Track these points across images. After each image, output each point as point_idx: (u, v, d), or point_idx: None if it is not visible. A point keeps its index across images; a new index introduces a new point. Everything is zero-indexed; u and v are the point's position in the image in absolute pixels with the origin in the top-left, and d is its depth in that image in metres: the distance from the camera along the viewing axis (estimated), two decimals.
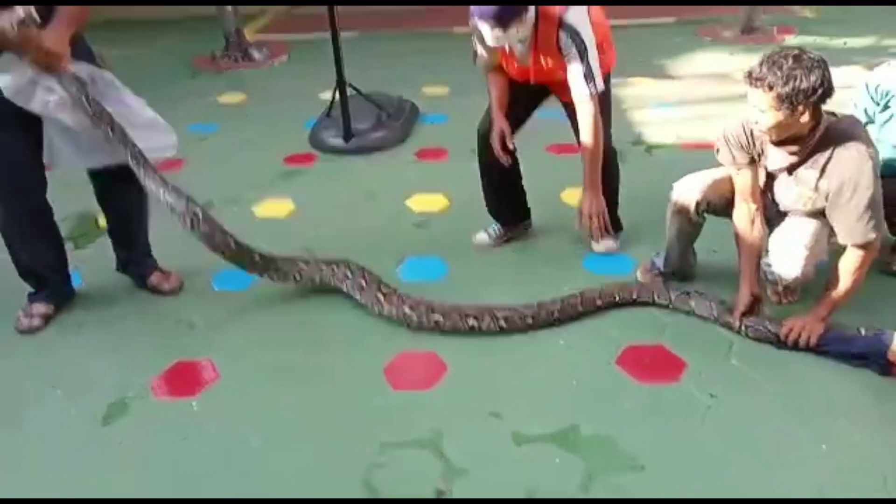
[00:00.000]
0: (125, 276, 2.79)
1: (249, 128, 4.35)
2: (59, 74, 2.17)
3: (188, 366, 2.32)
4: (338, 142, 3.95)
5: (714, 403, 2.05)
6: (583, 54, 2.34)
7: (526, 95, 2.64)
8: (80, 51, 2.31)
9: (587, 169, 2.51)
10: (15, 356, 2.41)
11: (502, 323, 2.36)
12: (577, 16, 2.33)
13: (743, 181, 2.24)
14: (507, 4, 2.22)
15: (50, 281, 2.58)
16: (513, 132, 2.66)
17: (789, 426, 1.96)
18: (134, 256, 2.74)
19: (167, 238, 3.06)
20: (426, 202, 3.33)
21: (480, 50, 2.56)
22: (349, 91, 3.98)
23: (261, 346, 2.40)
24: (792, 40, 5.45)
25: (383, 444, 1.97)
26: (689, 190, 2.39)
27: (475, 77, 2.87)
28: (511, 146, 2.64)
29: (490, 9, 2.24)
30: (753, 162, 2.21)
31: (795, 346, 2.17)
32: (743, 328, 2.27)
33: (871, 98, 2.46)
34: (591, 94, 2.39)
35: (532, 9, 2.33)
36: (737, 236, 2.32)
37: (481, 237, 2.94)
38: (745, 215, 2.27)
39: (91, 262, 2.92)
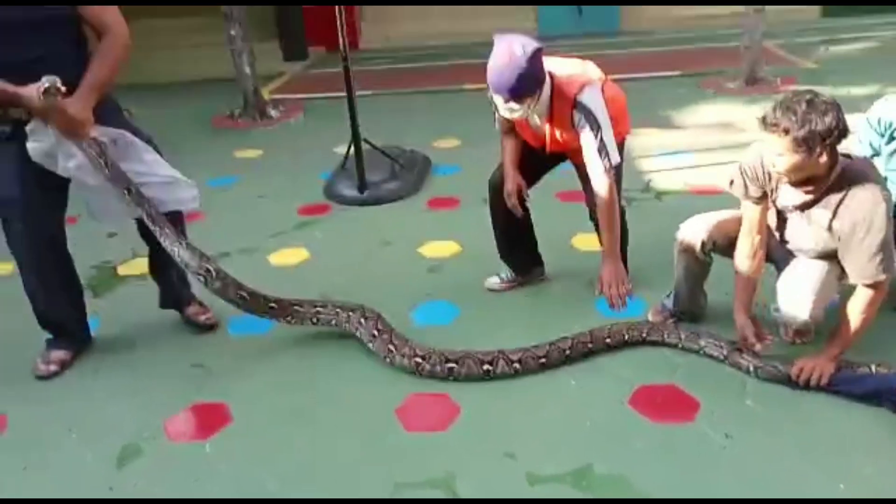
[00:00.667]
0: (142, 323, 2.86)
1: (266, 181, 4.48)
2: (80, 140, 2.27)
3: (202, 409, 2.34)
4: (352, 193, 4.04)
5: (729, 444, 2.03)
6: (597, 131, 2.40)
7: (540, 160, 2.70)
8: (108, 109, 2.42)
9: (605, 238, 2.54)
10: (33, 400, 2.45)
11: (517, 366, 2.36)
12: (591, 95, 2.41)
13: (752, 215, 2.27)
14: (521, 82, 2.27)
15: (69, 329, 2.64)
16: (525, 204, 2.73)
17: (804, 466, 1.93)
18: (173, 289, 2.81)
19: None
20: (438, 249, 3.38)
21: (498, 115, 2.63)
22: (363, 145, 4.10)
23: (274, 390, 2.42)
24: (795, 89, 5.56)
25: (397, 484, 1.97)
26: (694, 230, 2.42)
27: (486, 129, 2.96)
28: (526, 198, 2.69)
29: (504, 83, 2.30)
30: (765, 197, 2.24)
31: (807, 386, 2.16)
32: (753, 369, 2.26)
33: (875, 131, 2.49)
34: (605, 168, 2.44)
35: (547, 87, 2.42)
36: (737, 268, 2.35)
37: (493, 281, 2.97)
38: (747, 248, 2.30)
39: (109, 309, 2.99)
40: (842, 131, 1.95)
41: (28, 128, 2.26)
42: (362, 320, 2.56)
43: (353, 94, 4.00)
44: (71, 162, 2.30)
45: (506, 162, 2.73)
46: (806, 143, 1.93)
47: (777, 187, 2.19)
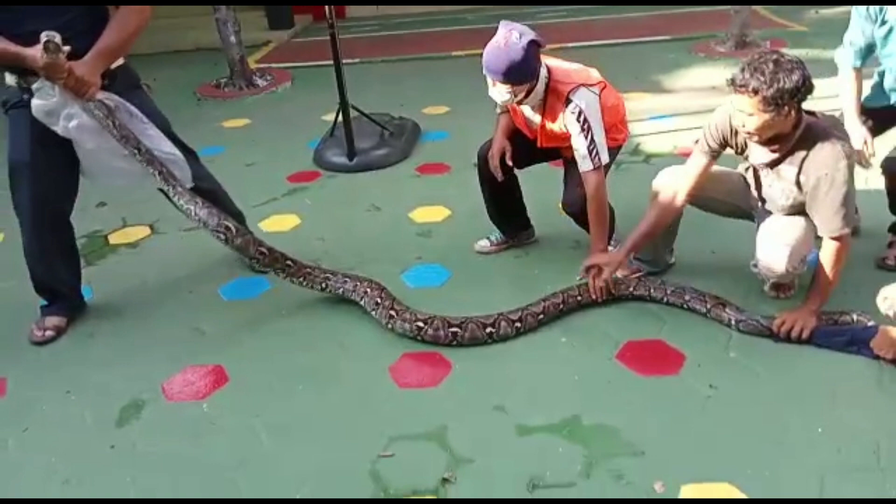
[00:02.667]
0: (134, 290, 2.90)
1: (254, 150, 4.47)
2: (87, 101, 2.31)
3: (198, 370, 2.37)
4: (341, 160, 4.05)
5: (714, 394, 2.09)
6: (587, 132, 2.43)
7: (531, 149, 2.72)
8: (126, 79, 2.49)
9: (593, 231, 2.58)
10: (29, 365, 2.48)
11: (518, 325, 2.40)
12: (584, 95, 2.44)
13: (693, 167, 2.37)
14: (511, 67, 2.32)
15: (64, 294, 2.67)
16: (510, 171, 2.75)
17: (785, 412, 2.00)
18: None
19: (177, 250, 3.16)
20: (428, 213, 3.41)
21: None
22: (352, 112, 4.09)
23: (268, 352, 2.46)
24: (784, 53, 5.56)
25: (390, 437, 2.02)
26: (668, 178, 2.48)
27: (475, 95, 2.97)
28: (509, 163, 2.71)
29: (495, 65, 2.35)
30: (714, 157, 2.33)
31: (789, 339, 2.22)
32: (735, 322, 2.33)
33: (867, 18, 2.49)
34: (594, 167, 2.48)
35: (542, 82, 2.45)
36: (652, 209, 2.44)
37: (482, 243, 3.01)
38: (669, 197, 2.40)
39: (101, 277, 3.01)
40: (808, 88, 2.00)
41: (34, 86, 2.29)
42: (368, 290, 2.58)
43: (340, 61, 3.97)
44: (72, 122, 2.33)
45: (497, 130, 2.76)
46: (775, 102, 1.98)
47: (747, 146, 2.24)
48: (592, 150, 2.46)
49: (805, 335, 2.20)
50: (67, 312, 2.68)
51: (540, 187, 3.07)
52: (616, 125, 2.62)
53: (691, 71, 5.45)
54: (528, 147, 2.70)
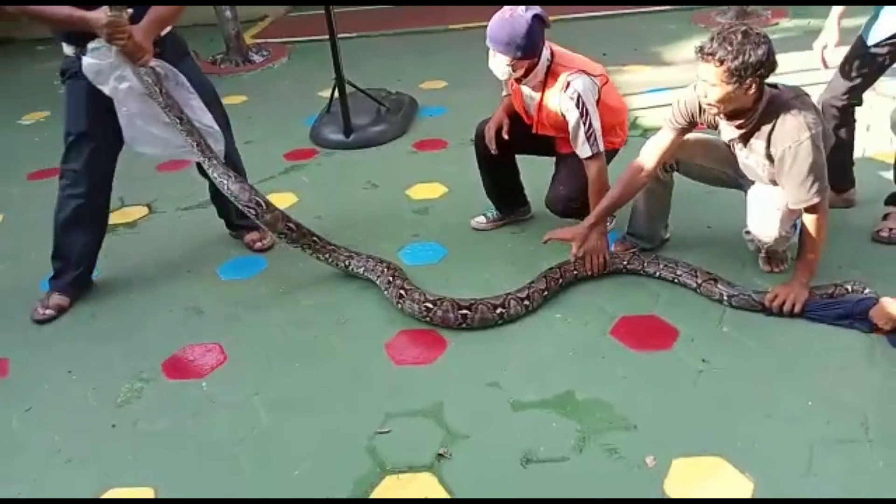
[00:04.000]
0: (134, 270, 2.92)
1: (251, 127, 4.43)
2: (138, 67, 2.37)
3: (198, 349, 2.40)
4: (338, 137, 4.03)
5: (706, 367, 2.12)
6: (585, 117, 2.43)
7: (528, 137, 2.71)
8: (175, 46, 2.57)
9: (596, 211, 2.52)
10: (31, 345, 2.51)
11: (527, 303, 2.41)
12: (584, 82, 2.43)
13: (660, 141, 2.38)
14: (512, 38, 2.34)
15: (73, 269, 2.70)
16: (507, 151, 2.75)
17: (776, 386, 2.02)
18: (228, 215, 3.00)
19: (175, 229, 3.17)
20: (425, 190, 3.41)
21: (504, 82, 2.67)
22: (348, 88, 4.07)
23: (266, 331, 2.49)
24: (786, 23, 5.50)
25: (387, 414, 2.05)
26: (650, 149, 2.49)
27: (472, 70, 2.96)
28: (505, 136, 2.71)
29: (497, 34, 2.37)
30: (682, 133, 2.34)
31: (781, 313, 2.24)
32: (727, 297, 2.34)
33: None
34: (594, 153, 2.47)
35: (544, 63, 2.45)
36: (619, 180, 2.45)
37: (479, 220, 3.02)
38: (636, 170, 2.41)
39: (100, 257, 3.00)
40: (771, 64, 2.02)
41: (91, 45, 2.34)
42: (384, 270, 2.59)
43: (335, 36, 3.94)
44: (123, 84, 2.40)
45: (498, 109, 2.75)
46: (738, 74, 1.99)
47: (716, 124, 2.25)
48: (591, 135, 2.46)
49: (797, 309, 2.22)
50: (72, 291, 2.71)
51: (538, 163, 3.06)
52: (615, 128, 2.60)
53: (691, 42, 5.31)
54: (524, 132, 2.70)
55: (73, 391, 2.26)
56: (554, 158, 2.81)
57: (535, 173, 3.03)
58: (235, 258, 2.95)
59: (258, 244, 2.98)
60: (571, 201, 2.67)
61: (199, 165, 2.75)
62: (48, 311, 2.62)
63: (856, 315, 2.15)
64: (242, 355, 2.36)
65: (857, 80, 2.61)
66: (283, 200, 3.43)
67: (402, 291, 2.47)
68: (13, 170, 4.05)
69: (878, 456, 1.77)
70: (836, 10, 2.60)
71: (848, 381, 2.01)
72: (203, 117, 2.59)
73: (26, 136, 4.65)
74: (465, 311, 2.35)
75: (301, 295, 2.68)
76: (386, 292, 2.54)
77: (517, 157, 2.89)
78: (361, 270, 2.66)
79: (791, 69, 4.29)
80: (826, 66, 2.63)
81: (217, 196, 2.97)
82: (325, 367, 2.28)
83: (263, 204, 2.56)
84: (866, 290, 2.22)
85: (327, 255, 2.67)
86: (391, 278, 2.54)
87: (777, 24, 5.54)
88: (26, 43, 7.24)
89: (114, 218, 3.35)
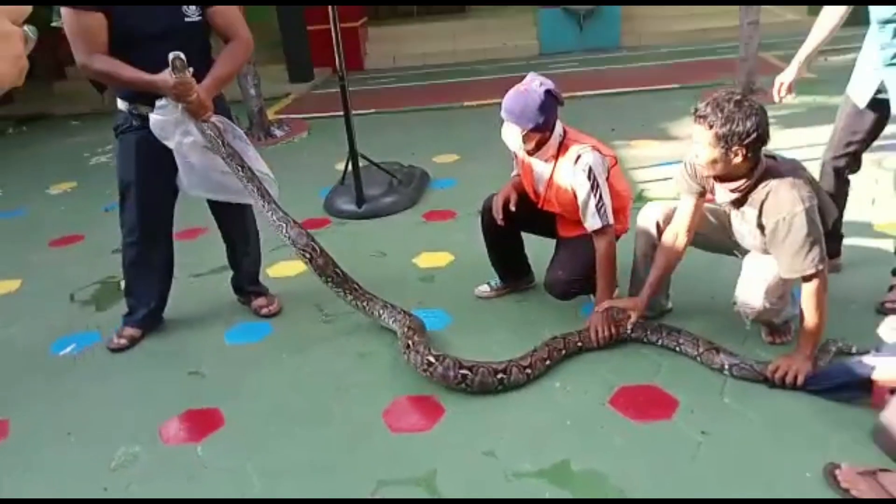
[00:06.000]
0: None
1: None
2: (202, 121, 2.54)
3: (196, 414, 2.41)
4: (351, 207, 4.14)
5: (705, 440, 2.07)
6: (595, 190, 2.49)
7: (533, 215, 2.77)
8: (220, 106, 2.72)
9: (600, 286, 2.60)
10: (35, 406, 2.54)
11: (529, 371, 2.39)
12: (595, 158, 2.51)
13: (685, 207, 2.40)
14: (526, 109, 2.43)
15: (146, 308, 2.89)
16: (512, 224, 2.80)
17: (778, 460, 1.97)
18: (240, 281, 3.09)
19: (186, 295, 3.23)
20: (432, 259, 3.46)
21: (516, 160, 2.77)
22: (362, 161, 4.21)
23: (267, 396, 2.49)
24: (791, 100, 5.60)
25: (380, 481, 2.02)
26: (653, 212, 2.52)
27: (484, 145, 3.04)
28: (512, 208, 2.76)
29: (511, 105, 2.47)
30: (701, 196, 2.34)
31: (783, 385, 2.20)
32: (728, 367, 2.31)
33: None
34: (604, 224, 2.52)
35: (556, 138, 2.54)
36: (658, 252, 2.47)
37: (482, 289, 3.05)
38: (671, 240, 2.44)
39: (112, 321, 3.08)
40: (760, 136, 2.05)
41: (159, 102, 2.51)
42: (408, 322, 2.64)
43: (349, 111, 4.10)
44: (187, 139, 2.58)
45: (507, 184, 2.82)
46: (725, 140, 2.04)
47: (712, 185, 2.28)
48: (601, 207, 2.49)
49: (799, 381, 2.18)
50: (144, 325, 2.90)
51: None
52: (617, 213, 2.61)
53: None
54: (529, 210, 2.75)
55: (69, 454, 2.27)
56: (554, 241, 2.86)
57: (540, 243, 3.07)
58: (241, 323, 3.00)
59: (265, 310, 3.03)
60: (570, 284, 2.69)
61: (223, 235, 2.98)
62: (122, 341, 2.83)
63: (853, 385, 2.10)
64: (240, 420, 2.37)
65: (853, 138, 2.66)
66: (292, 268, 3.50)
67: (410, 342, 2.49)
68: (36, 237, 4.20)
69: None
70: (804, 50, 2.70)
71: (850, 456, 1.95)
72: (260, 165, 2.76)
73: (53, 205, 4.84)
74: (465, 372, 2.35)
75: (303, 361, 2.69)
76: (399, 342, 2.58)
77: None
78: (391, 322, 2.71)
79: (795, 144, 4.38)
80: (779, 100, 2.78)
81: (233, 260, 3.06)
82: (321, 433, 2.27)
83: (317, 249, 2.73)
84: (853, 349, 2.19)
85: (364, 304, 2.78)
86: (406, 329, 2.58)
87: (782, 100, 5.64)
88: (62, 118, 7.62)
89: None
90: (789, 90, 2.77)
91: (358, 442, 2.21)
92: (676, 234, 2.44)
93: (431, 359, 2.39)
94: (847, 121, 2.71)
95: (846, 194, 2.80)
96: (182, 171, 2.66)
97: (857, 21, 2.69)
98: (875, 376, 2.04)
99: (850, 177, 2.82)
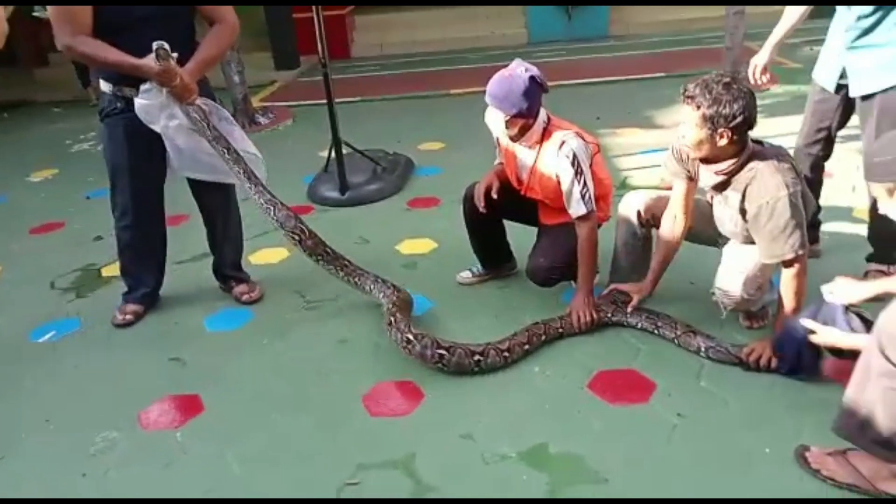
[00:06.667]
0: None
1: None
2: (187, 104, 2.53)
3: (176, 399, 2.41)
4: (334, 194, 4.13)
5: (681, 422, 2.09)
6: (579, 176, 2.49)
7: (515, 203, 2.76)
8: (205, 89, 2.72)
9: (581, 274, 2.61)
10: (12, 393, 2.53)
11: (507, 354, 2.41)
12: (579, 144, 2.51)
13: (676, 192, 2.41)
14: (510, 95, 2.42)
15: (144, 286, 2.94)
16: (494, 212, 2.80)
17: (752, 441, 1.99)
18: (221, 265, 3.08)
19: (168, 283, 3.22)
20: (415, 246, 3.46)
21: (499, 148, 2.77)
22: (346, 148, 4.19)
23: (246, 382, 2.49)
24: (776, 89, 5.63)
25: (359, 465, 2.03)
26: (634, 201, 2.52)
27: (470, 133, 3.04)
28: (494, 196, 2.75)
29: (495, 90, 2.46)
30: (690, 179, 2.35)
31: (758, 367, 2.23)
32: (704, 349, 2.34)
33: None
34: (588, 210, 2.52)
35: (540, 124, 2.53)
36: (658, 239, 2.49)
37: (464, 275, 3.05)
38: (669, 225, 2.45)
39: (91, 308, 3.08)
40: (746, 119, 2.04)
41: (143, 87, 2.50)
42: (394, 297, 2.67)
43: (332, 99, 4.08)
44: (173, 122, 2.58)
45: (489, 172, 2.82)
46: (711, 122, 2.04)
47: (697, 168, 2.28)
48: (585, 193, 2.49)
49: (774, 364, 2.20)
50: (145, 302, 2.94)
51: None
52: (598, 201, 2.62)
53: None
54: (512, 198, 2.75)
55: (48, 441, 2.26)
56: (536, 229, 2.86)
57: (523, 229, 3.07)
58: (223, 310, 2.99)
59: (246, 296, 3.02)
60: (551, 271, 2.70)
61: (204, 218, 2.98)
62: (127, 317, 2.88)
63: (805, 354, 2.11)
64: (220, 406, 2.36)
65: (822, 125, 2.70)
66: (275, 255, 3.49)
67: (392, 319, 2.50)
68: (17, 225, 4.16)
69: None
70: (776, 34, 2.76)
71: (825, 437, 1.97)
72: (247, 146, 2.76)
73: (34, 192, 4.80)
74: (442, 352, 2.36)
75: (284, 347, 2.69)
76: (384, 314, 2.61)
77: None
78: (381, 296, 2.73)
79: (778, 133, 4.39)
80: (754, 82, 2.79)
81: (215, 247, 3.05)
82: (301, 419, 2.27)
83: (306, 231, 2.75)
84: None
85: (356, 279, 2.81)
86: (391, 305, 2.60)
87: (767, 89, 5.66)
88: (43, 105, 7.54)
89: (109, 271, 3.43)
90: (764, 72, 2.79)
91: (337, 427, 2.22)
92: (674, 217, 2.45)
93: (410, 336, 2.41)
94: (814, 107, 2.74)
95: (821, 181, 2.83)
96: (171, 153, 2.67)
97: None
98: (813, 339, 2.05)
99: (830, 164, 2.84)
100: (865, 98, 2.53)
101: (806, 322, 2.03)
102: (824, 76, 2.66)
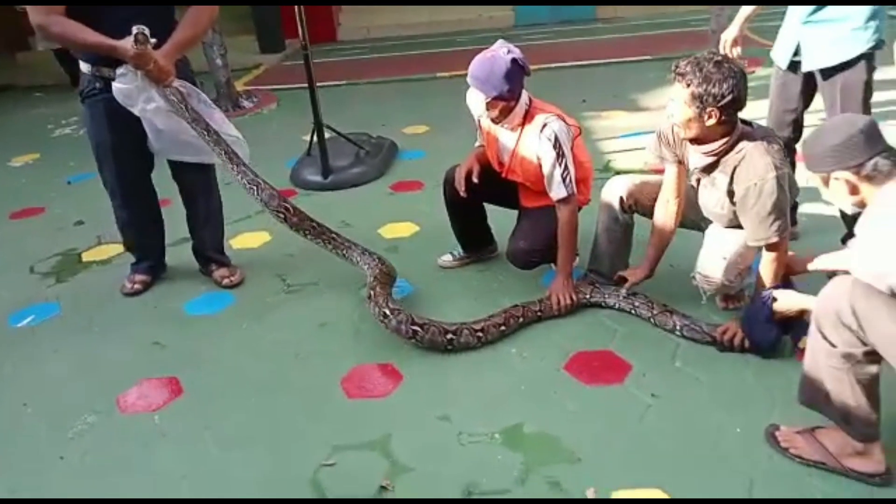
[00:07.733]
0: (103, 306, 2.94)
1: None
2: (164, 87, 2.53)
3: (155, 383, 2.41)
4: (316, 178, 4.11)
5: (655, 402, 2.12)
6: (561, 159, 2.48)
7: (496, 186, 2.76)
8: (184, 71, 2.72)
9: (560, 254, 2.62)
10: None
11: (480, 335, 2.42)
12: (561, 127, 2.50)
13: (668, 177, 2.41)
14: (491, 76, 2.41)
15: (150, 255, 3.04)
16: (475, 196, 2.80)
17: (725, 420, 2.02)
18: (202, 248, 3.08)
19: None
20: (397, 229, 3.46)
21: (479, 131, 2.76)
22: (329, 132, 4.17)
23: (225, 364, 2.50)
24: (762, 72, 5.63)
25: (335, 447, 2.04)
26: (616, 186, 2.53)
27: (455, 116, 3.03)
28: (475, 180, 2.75)
29: (477, 70, 2.45)
30: (680, 163, 2.34)
31: (731, 347, 2.25)
32: (679, 327, 2.36)
33: None
34: (569, 193, 2.52)
35: (522, 106, 2.52)
36: (653, 225, 2.50)
37: (445, 258, 3.06)
38: (663, 210, 2.45)
39: (71, 293, 3.07)
40: (735, 100, 2.03)
41: (119, 70, 2.52)
42: (378, 269, 2.71)
43: (313, 82, 4.06)
44: (150, 105, 2.58)
45: (470, 155, 2.81)
46: (700, 100, 2.02)
47: (685, 149, 2.28)
48: (566, 176, 2.49)
49: (747, 344, 2.22)
50: (153, 272, 3.04)
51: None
52: (579, 184, 2.61)
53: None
54: (492, 181, 2.75)
55: (26, 424, 2.26)
56: (516, 211, 2.87)
57: (503, 212, 3.08)
58: (203, 294, 2.99)
59: (226, 280, 3.01)
60: (531, 254, 2.71)
61: (184, 199, 2.98)
62: (136, 286, 2.97)
63: (774, 325, 2.14)
64: (198, 389, 2.37)
65: (787, 107, 2.72)
66: (256, 239, 3.48)
67: (372, 292, 2.54)
68: None
69: (818, 492, 1.76)
70: (745, 8, 2.77)
71: (796, 416, 2.00)
72: (228, 128, 2.76)
73: (14, 177, 4.76)
74: (416, 328, 2.39)
75: (263, 330, 2.70)
76: (367, 285, 2.65)
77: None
78: (366, 268, 2.77)
79: (762, 115, 4.40)
80: (730, 56, 2.73)
81: (196, 229, 3.05)
82: (279, 401, 2.28)
83: (291, 209, 2.77)
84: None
85: (344, 251, 2.86)
86: (374, 279, 2.64)
87: (753, 72, 5.67)
88: (25, 89, 7.44)
89: (89, 255, 3.43)
90: (735, 44, 2.82)
91: (315, 409, 2.23)
92: (667, 201, 2.45)
93: (387, 311, 2.44)
94: (777, 91, 2.76)
95: (794, 163, 2.84)
96: (151, 136, 2.67)
97: None
98: (776, 307, 2.09)
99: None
100: (826, 77, 2.54)
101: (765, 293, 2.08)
102: (781, 52, 2.68)
